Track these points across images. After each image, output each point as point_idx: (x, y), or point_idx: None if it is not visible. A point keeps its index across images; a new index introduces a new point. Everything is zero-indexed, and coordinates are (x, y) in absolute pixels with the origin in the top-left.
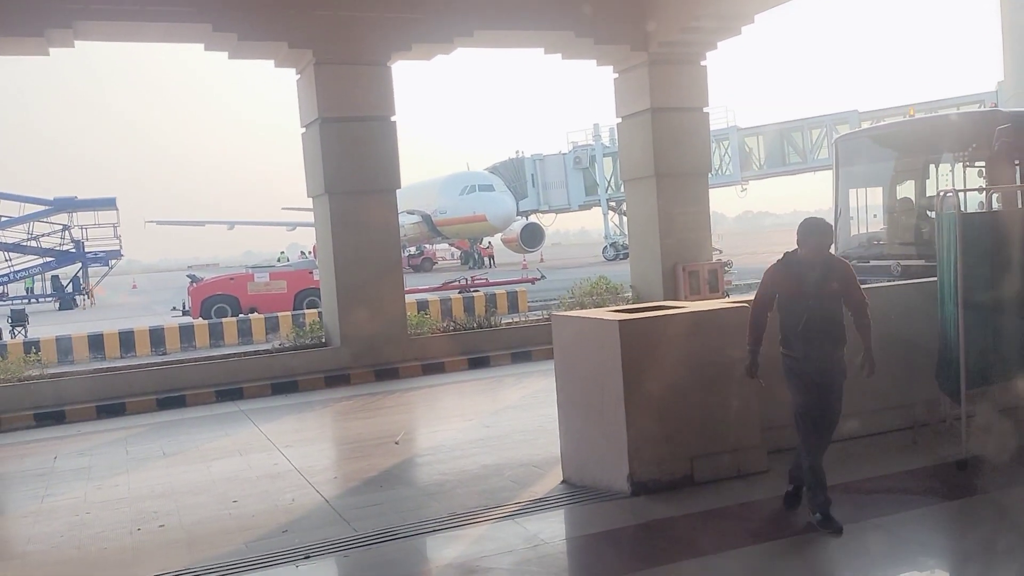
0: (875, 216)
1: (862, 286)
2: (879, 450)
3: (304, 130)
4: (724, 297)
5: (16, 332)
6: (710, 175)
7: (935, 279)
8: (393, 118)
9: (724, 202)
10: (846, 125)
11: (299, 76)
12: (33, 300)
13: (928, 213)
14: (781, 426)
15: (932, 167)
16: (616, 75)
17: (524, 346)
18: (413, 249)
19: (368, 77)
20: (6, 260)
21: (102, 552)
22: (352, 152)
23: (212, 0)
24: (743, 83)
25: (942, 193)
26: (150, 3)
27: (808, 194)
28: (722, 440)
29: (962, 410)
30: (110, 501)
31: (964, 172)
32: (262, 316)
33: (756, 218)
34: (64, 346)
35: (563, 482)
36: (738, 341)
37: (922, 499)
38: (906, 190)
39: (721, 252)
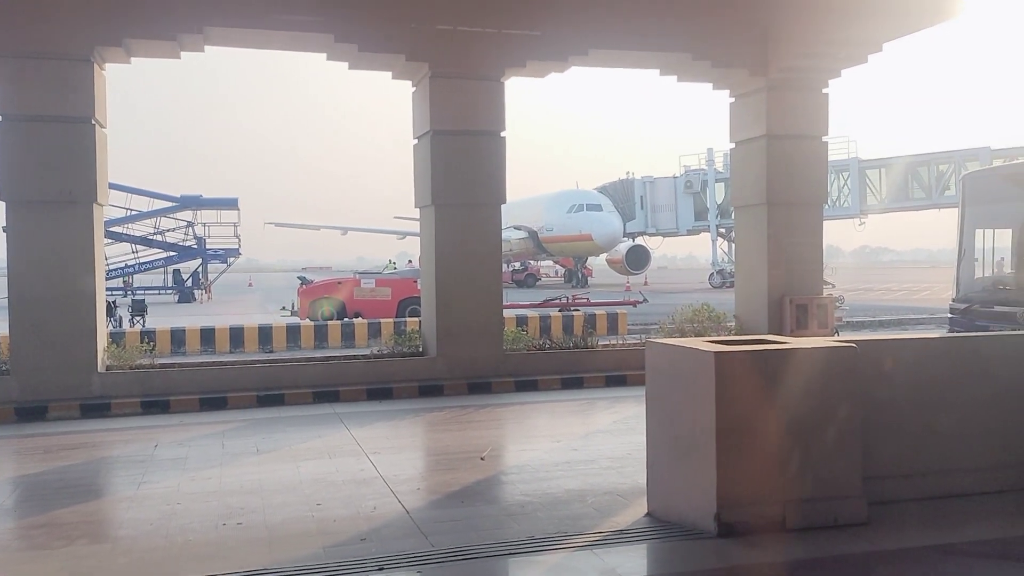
0: (1002, 259)
1: (981, 333)
2: (993, 511)
3: (416, 141)
4: (833, 334)
5: (135, 321)
6: (826, 207)
7: None
8: (503, 133)
9: (841, 235)
10: (976, 162)
11: (414, 88)
12: (132, 294)
13: None
14: (884, 476)
15: None
16: (732, 99)
17: (620, 369)
18: (518, 264)
19: (481, 92)
20: (133, 252)
21: (187, 544)
22: (461, 165)
23: (336, 11)
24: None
25: None
26: (278, 12)
27: (932, 232)
28: (818, 486)
29: None
30: (201, 493)
31: None
32: (365, 321)
33: (874, 253)
34: (178, 337)
35: (647, 515)
36: (841, 383)
37: None
38: None
39: (834, 286)
